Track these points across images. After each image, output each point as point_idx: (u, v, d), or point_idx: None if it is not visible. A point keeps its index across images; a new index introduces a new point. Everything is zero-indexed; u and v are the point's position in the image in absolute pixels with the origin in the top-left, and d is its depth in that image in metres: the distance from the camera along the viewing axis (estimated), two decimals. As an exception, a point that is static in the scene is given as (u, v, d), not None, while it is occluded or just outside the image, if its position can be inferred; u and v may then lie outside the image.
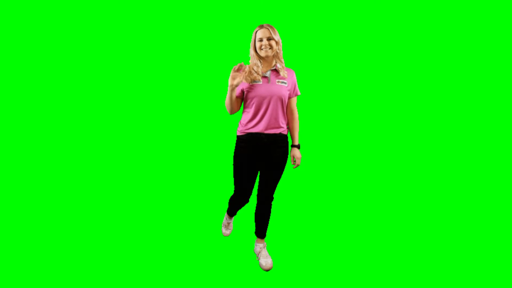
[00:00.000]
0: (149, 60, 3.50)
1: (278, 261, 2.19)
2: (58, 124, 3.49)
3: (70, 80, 3.49)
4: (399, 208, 3.00)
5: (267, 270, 2.09)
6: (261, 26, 1.91)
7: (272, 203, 2.18)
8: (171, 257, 2.21)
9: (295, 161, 2.08)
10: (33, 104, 3.46)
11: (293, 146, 2.09)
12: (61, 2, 3.39)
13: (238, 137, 2.05)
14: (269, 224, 2.28)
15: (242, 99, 2.01)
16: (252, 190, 2.09)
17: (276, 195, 2.84)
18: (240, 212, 2.80)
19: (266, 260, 2.12)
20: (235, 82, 1.86)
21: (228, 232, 2.49)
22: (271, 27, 1.90)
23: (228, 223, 2.47)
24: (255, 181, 2.07)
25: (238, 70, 1.86)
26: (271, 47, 1.91)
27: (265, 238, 2.38)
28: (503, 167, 3.38)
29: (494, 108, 3.45)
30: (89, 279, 1.98)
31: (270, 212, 2.14)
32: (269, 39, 1.89)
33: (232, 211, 2.34)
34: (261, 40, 1.90)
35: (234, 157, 2.05)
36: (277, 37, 1.91)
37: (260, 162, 2.02)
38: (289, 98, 2.02)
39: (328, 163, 3.56)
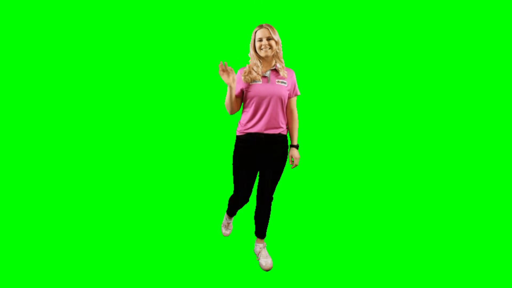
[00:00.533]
0: (149, 60, 3.50)
1: (278, 261, 2.18)
2: (59, 125, 3.49)
3: (71, 81, 3.49)
4: (398, 207, 3.00)
5: (267, 270, 2.09)
6: (261, 26, 1.91)
7: (272, 203, 2.18)
8: (171, 257, 2.21)
9: (293, 161, 2.08)
10: (35, 104, 3.46)
11: (291, 146, 2.08)
12: (61, 2, 3.39)
13: (237, 137, 2.05)
14: (269, 224, 2.28)
15: (242, 99, 2.01)
16: (251, 190, 2.09)
17: (276, 195, 2.84)
18: (240, 212, 2.80)
19: (266, 260, 2.11)
20: (230, 79, 1.87)
21: (228, 232, 2.49)
22: (270, 27, 1.90)
23: (228, 223, 2.46)
24: (254, 181, 2.07)
25: (223, 70, 1.86)
26: (271, 47, 1.91)
27: (265, 238, 2.38)
28: (503, 167, 3.37)
29: (494, 108, 3.45)
30: (89, 279, 1.98)
31: (270, 213, 2.14)
32: (268, 39, 1.89)
33: (231, 211, 2.34)
34: (260, 40, 1.90)
35: (234, 157, 2.05)
36: (276, 37, 1.91)
37: (259, 162, 2.02)
38: (289, 98, 2.02)
39: (328, 163, 3.56)
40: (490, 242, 2.44)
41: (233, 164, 2.05)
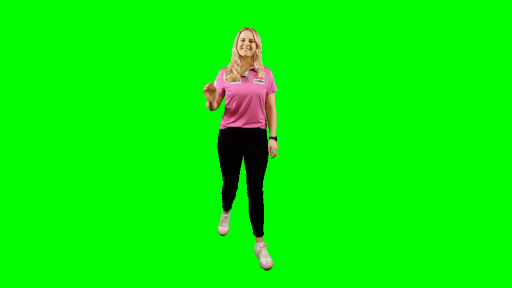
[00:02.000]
0: (140, 59, 3.57)
1: (278, 261, 2.22)
2: (53, 124, 3.49)
3: (62, 82, 3.52)
4: (397, 206, 3.04)
5: (268, 269, 2.15)
6: (246, 28, 2.12)
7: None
8: (171, 258, 2.24)
9: (271, 151, 2.28)
10: (24, 105, 3.43)
11: (270, 138, 2.28)
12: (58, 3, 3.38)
13: (220, 130, 2.24)
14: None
15: (223, 97, 2.20)
16: (238, 176, 2.25)
17: (275, 194, 2.95)
18: (239, 212, 2.85)
19: (266, 259, 2.17)
20: (212, 97, 2.05)
21: (225, 229, 2.56)
22: (254, 30, 2.12)
23: (225, 218, 2.57)
24: (239, 168, 2.24)
25: (208, 89, 2.02)
26: (250, 48, 2.11)
27: (265, 239, 2.46)
28: (501, 167, 3.40)
29: (484, 108, 3.53)
30: (87, 279, 1.98)
31: (263, 208, 2.22)
32: (250, 41, 2.10)
33: (226, 204, 2.47)
34: (243, 40, 2.10)
35: (218, 148, 2.23)
36: (258, 40, 2.13)
37: (241, 150, 2.19)
38: (267, 95, 2.23)
39: (326, 163, 3.63)
40: (488, 241, 2.44)
41: (218, 154, 2.23)
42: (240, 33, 2.13)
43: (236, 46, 2.14)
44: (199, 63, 3.53)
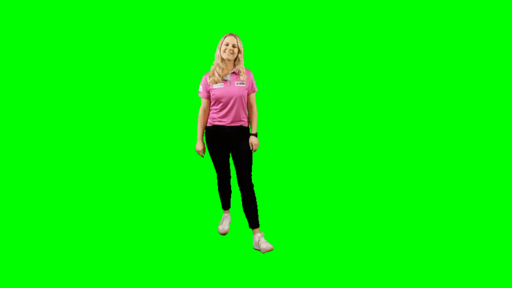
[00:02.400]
0: (130, 61, 3.68)
1: (277, 258, 2.26)
2: (48, 125, 3.56)
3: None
4: (395, 203, 3.07)
5: (268, 251, 2.28)
6: (230, 34, 2.34)
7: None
8: (171, 257, 2.29)
9: (252, 147, 2.50)
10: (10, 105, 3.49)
11: (251, 134, 2.50)
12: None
13: (207, 127, 2.45)
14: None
15: (210, 99, 2.41)
16: (228, 167, 2.49)
17: (272, 192, 3.08)
18: (238, 212, 2.94)
19: (266, 244, 2.29)
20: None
21: (226, 229, 2.68)
22: (237, 37, 2.34)
23: (226, 217, 2.71)
24: (228, 158, 2.47)
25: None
26: (233, 52, 2.32)
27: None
28: (499, 167, 3.38)
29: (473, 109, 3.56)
30: (87, 279, 2.01)
31: (255, 199, 2.36)
32: (234, 46, 2.31)
33: (224, 202, 2.66)
34: (227, 44, 2.31)
35: (206, 143, 2.45)
36: (240, 46, 2.35)
37: (228, 148, 2.42)
38: (248, 95, 2.45)
39: (311, 156, 3.73)
40: (488, 242, 2.42)
41: (207, 148, 2.45)
42: (225, 38, 2.34)
43: (220, 49, 2.34)
44: (188, 64, 3.63)
